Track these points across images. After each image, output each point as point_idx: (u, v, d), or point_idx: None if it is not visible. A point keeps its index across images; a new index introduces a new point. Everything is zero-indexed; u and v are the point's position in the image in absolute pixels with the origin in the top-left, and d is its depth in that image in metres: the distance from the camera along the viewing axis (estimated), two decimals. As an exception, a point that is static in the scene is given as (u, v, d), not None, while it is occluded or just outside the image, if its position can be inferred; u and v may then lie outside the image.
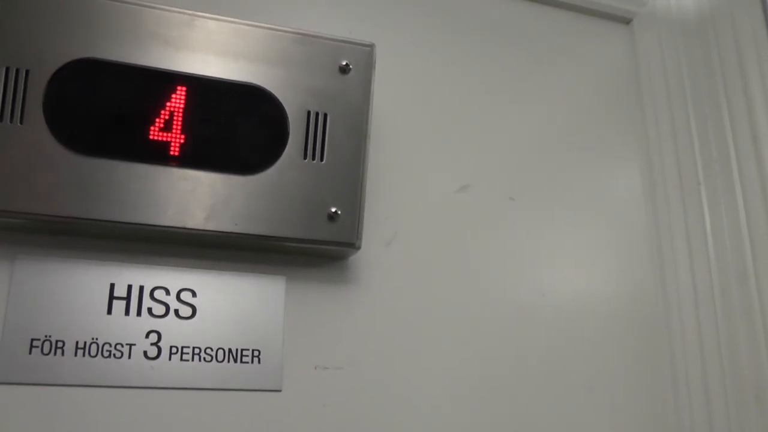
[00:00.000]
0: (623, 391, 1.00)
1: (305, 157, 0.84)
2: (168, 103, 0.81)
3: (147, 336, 0.81)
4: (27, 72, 0.76)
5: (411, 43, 1.03)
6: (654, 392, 1.01)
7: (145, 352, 0.80)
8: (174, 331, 0.82)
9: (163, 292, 0.83)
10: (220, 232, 0.80)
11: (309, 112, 0.85)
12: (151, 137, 0.80)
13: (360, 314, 0.90)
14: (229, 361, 0.82)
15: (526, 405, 0.94)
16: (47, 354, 0.77)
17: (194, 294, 0.84)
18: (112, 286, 0.81)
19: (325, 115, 0.86)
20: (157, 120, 0.80)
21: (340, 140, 0.86)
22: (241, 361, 0.83)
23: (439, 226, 0.97)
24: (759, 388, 0.90)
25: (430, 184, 0.98)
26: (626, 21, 1.19)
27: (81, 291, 0.80)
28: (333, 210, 0.84)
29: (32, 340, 0.77)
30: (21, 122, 0.75)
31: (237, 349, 0.83)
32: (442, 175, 0.99)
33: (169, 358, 0.81)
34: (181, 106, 0.81)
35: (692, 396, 0.98)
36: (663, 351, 1.03)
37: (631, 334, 1.03)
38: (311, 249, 0.86)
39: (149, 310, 0.82)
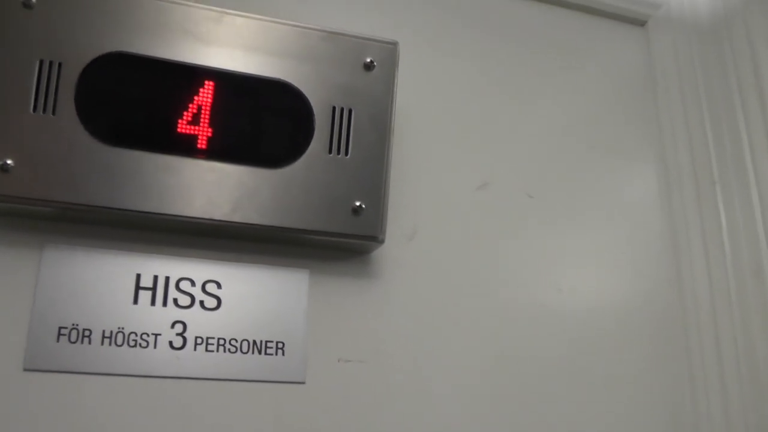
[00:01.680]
0: (640, 389, 1.00)
1: (330, 151, 0.86)
2: (196, 97, 0.82)
3: (172, 326, 0.82)
4: (60, 65, 0.77)
5: (433, 41, 1.05)
6: (671, 390, 1.02)
7: (170, 342, 0.81)
8: (199, 321, 0.83)
9: (188, 283, 0.84)
10: (246, 224, 0.81)
11: (334, 108, 0.86)
12: (179, 130, 0.81)
13: (383, 308, 0.91)
14: (253, 353, 0.83)
15: (545, 400, 0.95)
16: (74, 342, 0.78)
17: (219, 285, 0.85)
18: (138, 276, 0.82)
19: (350, 111, 0.87)
20: (185, 113, 0.81)
21: (364, 135, 0.87)
22: (266, 353, 0.84)
23: (460, 222, 0.98)
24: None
25: (450, 180, 0.99)
26: (641, 23, 1.20)
27: (108, 280, 0.81)
28: (357, 204, 0.85)
29: (60, 328, 0.78)
30: (53, 113, 0.77)
31: (261, 341, 0.84)
32: (463, 172, 1.00)
33: (194, 349, 0.82)
34: (209, 100, 0.82)
35: (709, 393, 0.98)
36: (680, 348, 1.04)
37: (648, 331, 1.04)
38: (335, 242, 0.87)
39: (175, 300, 0.83)
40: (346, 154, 0.86)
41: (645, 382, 1.01)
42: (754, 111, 1.01)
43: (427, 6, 1.06)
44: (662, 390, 1.02)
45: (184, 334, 0.82)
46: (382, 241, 0.87)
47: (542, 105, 1.09)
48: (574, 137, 1.09)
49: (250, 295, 0.85)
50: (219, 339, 0.83)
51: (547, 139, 1.07)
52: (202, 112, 0.82)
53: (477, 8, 1.09)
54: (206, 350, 0.82)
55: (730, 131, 1.04)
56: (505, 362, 0.95)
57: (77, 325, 0.78)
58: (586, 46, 1.15)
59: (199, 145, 0.81)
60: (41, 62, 0.77)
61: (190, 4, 0.84)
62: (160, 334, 0.81)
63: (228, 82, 0.83)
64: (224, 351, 0.83)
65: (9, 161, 0.74)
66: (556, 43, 1.13)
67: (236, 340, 0.83)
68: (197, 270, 0.85)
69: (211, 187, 0.81)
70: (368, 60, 0.89)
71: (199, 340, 0.82)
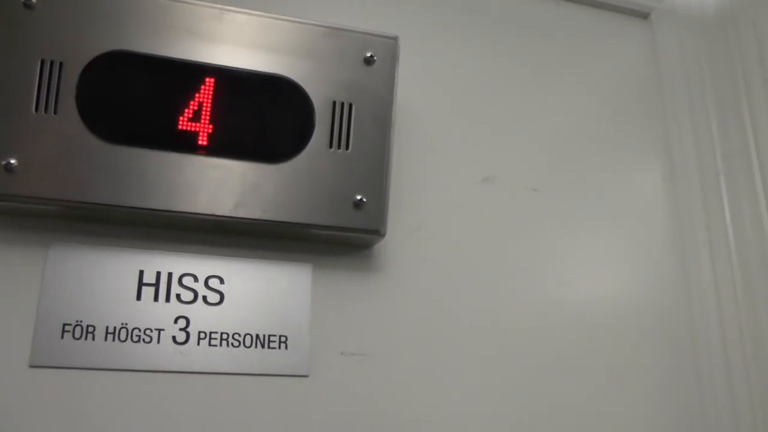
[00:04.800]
0: (645, 382, 1.00)
1: (331, 146, 0.86)
2: (197, 94, 0.82)
3: (176, 321, 0.82)
4: (61, 64, 0.78)
5: (434, 36, 1.05)
6: (677, 383, 1.01)
7: (173, 338, 0.82)
8: (202, 316, 0.83)
9: (191, 278, 0.84)
10: (249, 219, 0.82)
11: (335, 103, 0.87)
12: (180, 127, 0.81)
13: (385, 302, 0.91)
14: (256, 347, 0.84)
15: (548, 393, 0.95)
16: (78, 338, 0.79)
17: (222, 281, 0.85)
18: (141, 272, 0.83)
19: (351, 106, 0.87)
20: (186, 110, 0.82)
21: (365, 130, 0.87)
22: (269, 347, 0.84)
23: (463, 216, 0.98)
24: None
25: (453, 174, 0.99)
26: (644, 15, 1.20)
27: (111, 277, 0.82)
28: (358, 198, 0.85)
29: (64, 324, 0.79)
30: (55, 112, 0.77)
31: (264, 335, 0.85)
32: (466, 165, 1.00)
33: (198, 344, 0.82)
34: (210, 96, 0.83)
35: (715, 386, 0.98)
36: (685, 342, 1.04)
37: (653, 324, 1.03)
38: (337, 236, 0.88)
39: (178, 296, 0.83)
40: (347, 148, 0.86)
41: (650, 375, 1.01)
42: (760, 102, 1.00)
43: (427, 1, 1.06)
44: (668, 383, 1.01)
45: (188, 329, 0.82)
46: (383, 235, 0.87)
47: (545, 98, 1.08)
48: (578, 130, 1.09)
49: (252, 290, 0.86)
50: (222, 333, 0.83)
51: (550, 132, 1.07)
52: (203, 108, 0.82)
53: (477, 3, 1.09)
54: (209, 345, 0.83)
55: (735, 123, 1.03)
56: (508, 354, 0.95)
57: (81, 321, 0.79)
58: (588, 39, 1.15)
59: (200, 142, 0.82)
60: (42, 62, 0.77)
61: (191, 1, 0.84)
62: (163, 330, 0.82)
63: (228, 78, 0.84)
64: (227, 345, 0.83)
65: (12, 161, 0.75)
66: (558, 37, 1.13)
67: (239, 335, 0.84)
68: (200, 266, 0.85)
69: (213, 184, 0.81)
70: (369, 55, 0.89)
71: (202, 335, 0.83)
